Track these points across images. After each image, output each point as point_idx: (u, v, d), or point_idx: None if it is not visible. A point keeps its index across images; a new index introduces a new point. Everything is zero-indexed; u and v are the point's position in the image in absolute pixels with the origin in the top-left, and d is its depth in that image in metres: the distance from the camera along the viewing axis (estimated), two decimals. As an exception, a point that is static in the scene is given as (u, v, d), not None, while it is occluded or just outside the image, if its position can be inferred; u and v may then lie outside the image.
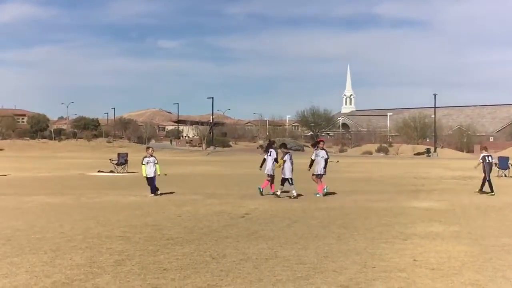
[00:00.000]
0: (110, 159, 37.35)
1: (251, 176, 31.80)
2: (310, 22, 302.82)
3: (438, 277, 8.65)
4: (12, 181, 28.58)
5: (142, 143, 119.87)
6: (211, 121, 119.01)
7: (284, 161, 20.57)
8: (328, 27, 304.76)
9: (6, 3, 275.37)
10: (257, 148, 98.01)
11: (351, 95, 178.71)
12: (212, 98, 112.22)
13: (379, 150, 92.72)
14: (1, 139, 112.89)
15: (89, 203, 18.31)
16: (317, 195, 20.99)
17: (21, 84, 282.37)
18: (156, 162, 21.07)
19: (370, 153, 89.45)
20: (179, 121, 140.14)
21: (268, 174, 21.20)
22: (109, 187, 24.42)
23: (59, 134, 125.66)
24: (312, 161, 21.55)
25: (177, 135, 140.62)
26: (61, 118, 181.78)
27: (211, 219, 14.66)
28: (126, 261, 9.46)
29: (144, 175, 20.84)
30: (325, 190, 21.09)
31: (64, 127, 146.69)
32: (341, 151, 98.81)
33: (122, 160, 36.18)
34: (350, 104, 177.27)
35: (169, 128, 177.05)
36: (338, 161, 51.11)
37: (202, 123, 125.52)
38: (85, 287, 7.82)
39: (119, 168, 35.42)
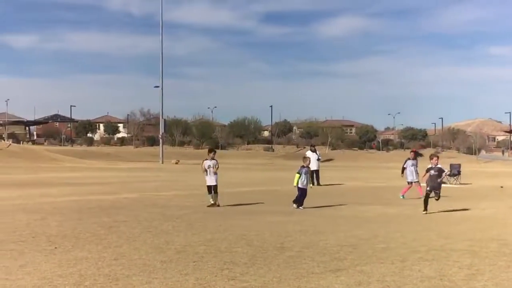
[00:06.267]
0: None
1: None
2: None
3: None
4: (346, 190, 29.58)
5: (472, 154, 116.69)
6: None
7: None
8: None
9: (339, 17, 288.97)
10: None
11: None
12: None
13: None
14: (331, 149, 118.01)
15: (428, 215, 18.05)
16: None
17: (349, 95, 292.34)
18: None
19: None
20: (511, 131, 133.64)
21: None
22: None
23: (386, 145, 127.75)
24: None
25: (509, 145, 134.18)
26: (387, 128, 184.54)
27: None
28: (477, 276, 9.09)
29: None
30: None
31: (391, 137, 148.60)
32: None
33: (455, 171, 35.54)
34: None
35: (500, 138, 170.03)
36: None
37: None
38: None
39: (452, 179, 34.79)
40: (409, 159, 25.50)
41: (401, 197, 24.25)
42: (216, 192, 20.29)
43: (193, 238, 13.01)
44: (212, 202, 20.12)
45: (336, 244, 12.19)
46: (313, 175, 32.94)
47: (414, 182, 24.72)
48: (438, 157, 19.46)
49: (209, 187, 20.32)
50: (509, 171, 60.55)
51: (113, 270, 9.47)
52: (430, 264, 10.03)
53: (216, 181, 20.23)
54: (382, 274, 9.26)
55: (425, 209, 18.33)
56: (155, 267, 9.76)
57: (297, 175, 19.86)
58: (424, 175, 19.26)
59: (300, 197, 19.77)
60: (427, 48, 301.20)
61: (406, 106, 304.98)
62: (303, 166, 20.07)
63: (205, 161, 20.58)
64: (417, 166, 25.18)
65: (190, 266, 9.86)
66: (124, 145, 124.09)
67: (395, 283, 8.65)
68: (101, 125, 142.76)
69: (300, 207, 19.50)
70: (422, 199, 18.94)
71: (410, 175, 24.99)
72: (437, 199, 18.82)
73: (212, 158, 20.57)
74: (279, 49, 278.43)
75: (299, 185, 19.79)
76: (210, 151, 21.15)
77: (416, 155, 26.24)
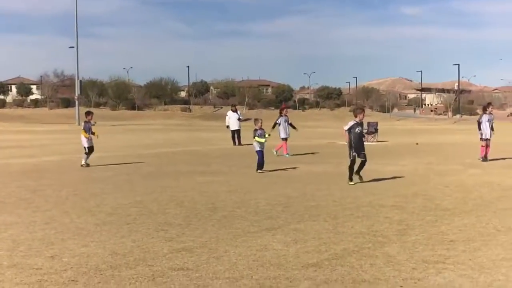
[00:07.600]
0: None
1: (508, 146, 30.28)
2: None
3: None
4: (268, 149, 29.70)
5: (385, 112, 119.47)
6: (456, 88, 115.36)
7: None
8: None
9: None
10: (508, 116, 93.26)
11: None
12: (458, 65, 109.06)
13: None
14: (248, 109, 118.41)
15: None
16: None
17: (265, 55, 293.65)
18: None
19: None
20: (422, 89, 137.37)
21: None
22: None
23: (302, 104, 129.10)
24: None
25: (420, 103, 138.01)
26: (303, 88, 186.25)
27: (480, 190, 14.13)
28: (408, 231, 9.38)
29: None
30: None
31: (307, 96, 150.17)
32: None
33: (372, 129, 36.26)
34: None
35: (411, 96, 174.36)
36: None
37: (447, 91, 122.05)
38: (375, 255, 7.85)
39: (369, 137, 35.46)
40: (281, 115, 25.79)
41: (275, 153, 24.61)
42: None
43: (122, 200, 12.88)
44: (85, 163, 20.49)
45: (266, 203, 12.31)
46: (234, 135, 33.10)
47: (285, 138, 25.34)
48: (364, 111, 16.89)
49: (90, 148, 20.61)
50: (421, 128, 62.41)
51: (47, 234, 9.30)
52: (362, 221, 10.27)
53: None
54: (317, 231, 9.42)
55: (351, 178, 15.50)
56: (89, 230, 9.63)
57: (257, 138, 18.99)
58: (348, 135, 15.64)
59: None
60: (342, 8, 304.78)
61: (321, 65, 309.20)
62: (255, 129, 19.12)
63: (87, 124, 20.78)
64: (289, 122, 25.75)
65: (125, 228, 9.78)
66: (38, 107, 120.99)
67: (331, 239, 8.82)
68: (13, 87, 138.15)
69: (259, 171, 18.63)
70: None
71: (283, 131, 25.44)
72: (364, 161, 15.74)
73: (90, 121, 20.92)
74: (195, 8, 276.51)
75: (257, 148, 18.98)
76: (88, 113, 21.27)
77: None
